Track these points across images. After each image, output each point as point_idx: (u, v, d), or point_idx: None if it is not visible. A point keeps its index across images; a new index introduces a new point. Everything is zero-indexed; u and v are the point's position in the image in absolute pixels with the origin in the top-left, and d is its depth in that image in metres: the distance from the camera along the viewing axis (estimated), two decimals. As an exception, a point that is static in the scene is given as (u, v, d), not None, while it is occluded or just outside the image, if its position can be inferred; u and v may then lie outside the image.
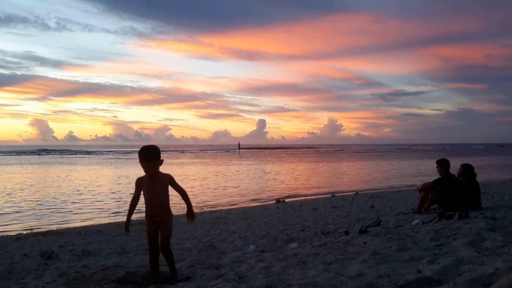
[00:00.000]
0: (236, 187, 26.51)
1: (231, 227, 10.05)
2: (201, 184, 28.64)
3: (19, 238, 10.22)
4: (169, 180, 4.63)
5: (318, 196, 20.61)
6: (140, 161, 4.48)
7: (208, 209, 17.03)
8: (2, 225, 14.76)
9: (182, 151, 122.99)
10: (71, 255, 7.10)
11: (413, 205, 9.92)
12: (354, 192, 21.78)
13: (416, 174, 34.78)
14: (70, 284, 4.78)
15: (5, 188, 26.76)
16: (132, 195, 4.59)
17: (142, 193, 4.57)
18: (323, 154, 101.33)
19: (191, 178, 33.84)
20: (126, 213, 4.63)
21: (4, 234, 12.66)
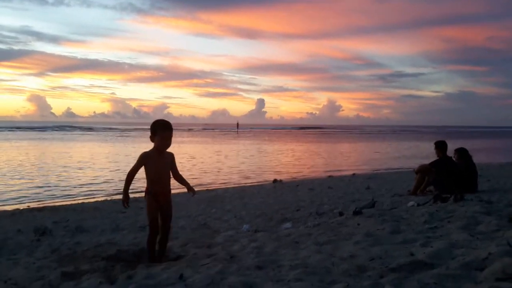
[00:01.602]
0: (234, 166, 26.50)
1: (226, 206, 10.03)
2: (198, 162, 28.61)
3: (14, 213, 10.21)
4: (173, 158, 4.58)
5: (315, 177, 20.61)
6: (161, 131, 4.33)
7: (205, 188, 17.04)
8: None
9: (189, 129, 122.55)
10: (65, 231, 7.08)
11: (410, 186, 9.88)
12: (352, 173, 21.77)
13: (413, 155, 34.77)
14: (61, 261, 4.74)
15: (5, 163, 26.71)
16: (131, 168, 4.44)
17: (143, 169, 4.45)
18: (322, 135, 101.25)
19: (189, 157, 33.81)
20: (123, 188, 4.47)
21: (1, 208, 12.67)
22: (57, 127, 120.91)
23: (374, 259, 3.62)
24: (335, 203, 9.10)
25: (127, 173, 4.40)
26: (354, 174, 21.37)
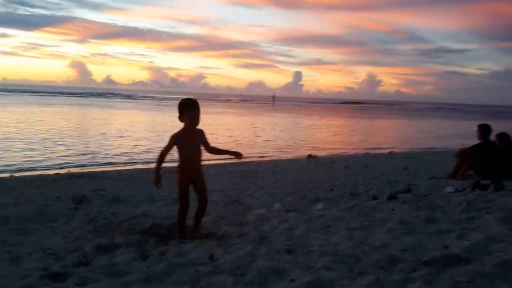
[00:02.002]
0: (269, 139, 26.51)
1: (259, 181, 10.06)
2: (233, 135, 28.78)
3: (54, 179, 10.57)
4: (203, 134, 4.61)
5: (351, 154, 20.39)
6: (189, 110, 4.35)
7: (239, 161, 17.13)
8: (42, 164, 15.39)
9: (227, 100, 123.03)
10: (101, 200, 7.28)
11: (449, 169, 9.58)
12: (389, 151, 21.41)
13: (455, 135, 33.75)
14: (97, 231, 4.89)
15: (48, 128, 27.69)
16: (163, 148, 4.52)
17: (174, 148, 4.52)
18: (360, 110, 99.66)
19: (224, 128, 34.05)
20: (155, 168, 4.56)
21: (43, 173, 13.20)
22: (98, 94, 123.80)
23: (406, 250, 3.54)
24: (370, 184, 8.96)
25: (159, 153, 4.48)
26: (391, 151, 21.03)
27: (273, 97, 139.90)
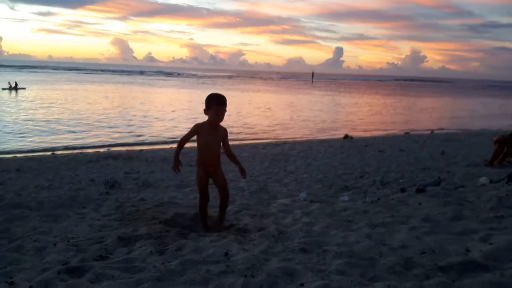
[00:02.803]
0: (306, 119, 26.31)
1: (290, 166, 10.01)
2: (270, 114, 28.71)
3: (91, 160, 10.90)
4: (225, 133, 4.62)
5: (389, 134, 19.98)
6: (216, 106, 4.34)
7: (274, 141, 17.14)
8: (83, 141, 15.93)
9: (268, 78, 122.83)
10: (133, 184, 7.46)
11: (489, 154, 9.21)
12: (430, 131, 20.86)
13: (502, 115, 32.39)
14: (122, 220, 5.02)
15: (90, 105, 28.52)
16: (184, 135, 4.56)
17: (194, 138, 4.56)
18: (403, 87, 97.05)
19: (260, 107, 34.00)
20: (174, 154, 4.58)
21: (84, 151, 13.65)
22: (140, 71, 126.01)
23: (425, 252, 3.45)
24: (403, 171, 8.75)
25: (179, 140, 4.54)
26: (432, 132, 20.48)
27: (312, 74, 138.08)
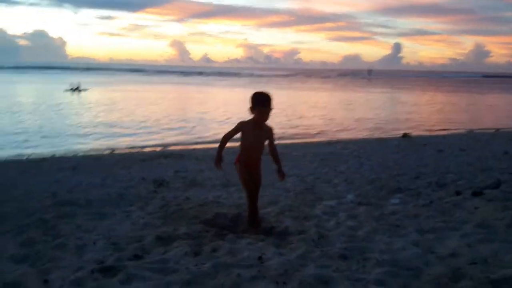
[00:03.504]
0: (362, 117, 25.67)
1: (341, 166, 9.71)
2: (324, 112, 28.29)
3: (144, 159, 11.13)
4: (270, 132, 4.50)
5: (450, 133, 19.06)
6: (260, 106, 4.26)
7: (326, 139, 16.82)
8: (141, 140, 16.39)
9: (326, 76, 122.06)
10: (180, 183, 7.50)
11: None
12: (494, 130, 19.72)
13: None
14: (165, 218, 5.03)
15: (149, 105, 29.42)
16: (227, 131, 4.49)
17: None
18: (466, 83, 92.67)
19: (314, 106, 33.62)
20: (217, 150, 4.52)
21: (141, 150, 14.02)
22: (197, 72, 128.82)
23: (476, 262, 3.15)
24: (462, 172, 8.23)
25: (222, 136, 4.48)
26: (497, 130, 19.34)
27: (369, 71, 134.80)
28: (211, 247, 3.74)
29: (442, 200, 5.41)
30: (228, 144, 4.54)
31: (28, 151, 13.76)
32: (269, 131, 4.46)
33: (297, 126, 21.29)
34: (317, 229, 4.34)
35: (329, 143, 15.22)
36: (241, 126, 4.41)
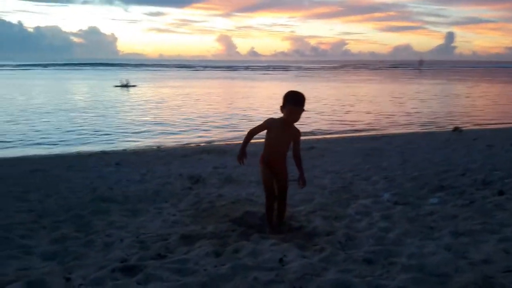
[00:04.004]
0: (411, 110, 24.91)
1: (383, 162, 9.40)
2: (372, 105, 27.65)
3: (186, 154, 11.28)
4: (297, 134, 4.37)
5: (504, 126, 18.13)
6: (292, 105, 4.14)
7: (370, 134, 16.43)
8: (183, 136, 16.65)
9: (372, 68, 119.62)
10: (216, 179, 7.51)
11: None
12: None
13: None
14: (195, 216, 5.04)
15: (195, 100, 29.86)
16: (254, 127, 4.40)
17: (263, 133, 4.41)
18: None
19: (363, 98, 32.92)
20: (241, 144, 4.46)
21: (186, 146, 14.23)
22: (244, 66, 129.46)
23: (511, 271, 2.92)
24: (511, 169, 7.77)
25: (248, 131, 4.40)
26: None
27: (420, 62, 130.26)
28: (233, 248, 3.69)
29: (485, 200, 5.10)
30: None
31: (77, 148, 14.30)
32: (296, 133, 4.31)
33: (343, 121, 20.92)
34: (347, 230, 4.19)
35: (375, 138, 14.85)
36: (269, 123, 4.30)
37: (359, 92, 39.32)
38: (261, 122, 4.38)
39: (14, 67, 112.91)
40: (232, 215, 4.91)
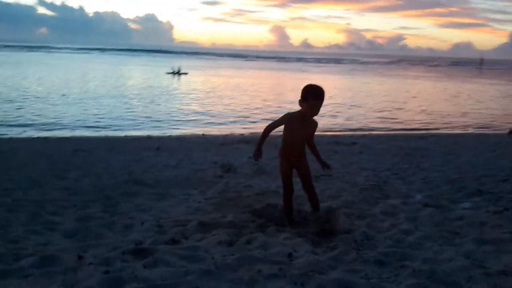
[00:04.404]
0: (468, 110, 23.88)
1: (424, 162, 9.08)
2: (426, 102, 26.76)
3: (224, 143, 11.36)
4: (315, 126, 4.33)
5: None
6: (312, 100, 4.07)
7: (419, 134, 15.89)
8: (225, 125, 16.78)
9: (436, 65, 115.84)
10: (249, 169, 7.53)
11: None
12: None
13: None
14: (219, 205, 5.09)
15: (244, 92, 30.01)
16: (271, 123, 4.38)
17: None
18: None
19: (417, 95, 31.94)
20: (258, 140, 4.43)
21: (229, 134, 14.34)
22: (298, 58, 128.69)
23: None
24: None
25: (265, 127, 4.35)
26: None
27: (481, 61, 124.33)
28: (247, 239, 3.70)
29: (522, 208, 4.82)
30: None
31: (125, 132, 14.69)
32: (314, 125, 4.26)
33: (393, 118, 20.35)
34: (366, 229, 4.09)
35: (421, 137, 14.35)
36: (287, 119, 4.24)
37: (414, 89, 38.16)
38: (278, 117, 4.34)
39: (74, 50, 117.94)
40: (254, 206, 4.92)
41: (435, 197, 5.74)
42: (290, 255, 3.33)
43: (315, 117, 4.27)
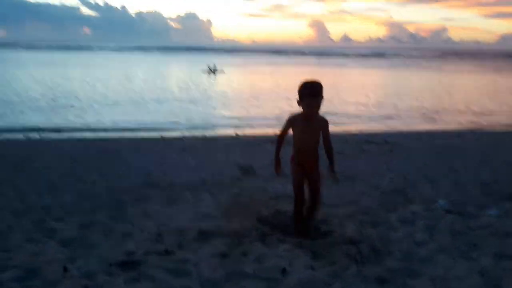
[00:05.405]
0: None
1: (458, 162, 8.54)
2: (469, 97, 25.69)
3: (249, 144, 11.15)
4: (325, 124, 4.05)
5: None
6: (308, 97, 3.87)
7: (457, 130, 15.15)
8: (258, 130, 16.56)
9: (484, 59, 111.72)
10: (268, 172, 7.30)
11: None
12: None
13: None
14: (228, 210, 4.90)
15: (280, 90, 29.75)
16: (280, 131, 4.21)
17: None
18: None
19: (461, 90, 30.74)
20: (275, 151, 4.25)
21: (261, 133, 14.12)
22: (341, 53, 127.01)
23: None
24: None
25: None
26: None
27: None
28: (243, 250, 3.51)
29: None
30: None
31: (158, 133, 14.72)
32: (323, 123, 3.99)
33: (428, 115, 19.57)
34: (376, 240, 3.80)
35: (460, 135, 13.65)
36: (290, 121, 4.05)
37: (459, 84, 36.82)
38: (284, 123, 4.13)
39: (115, 50, 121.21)
40: (262, 213, 4.72)
41: (460, 202, 5.33)
42: (284, 270, 3.11)
43: (323, 115, 4.05)
